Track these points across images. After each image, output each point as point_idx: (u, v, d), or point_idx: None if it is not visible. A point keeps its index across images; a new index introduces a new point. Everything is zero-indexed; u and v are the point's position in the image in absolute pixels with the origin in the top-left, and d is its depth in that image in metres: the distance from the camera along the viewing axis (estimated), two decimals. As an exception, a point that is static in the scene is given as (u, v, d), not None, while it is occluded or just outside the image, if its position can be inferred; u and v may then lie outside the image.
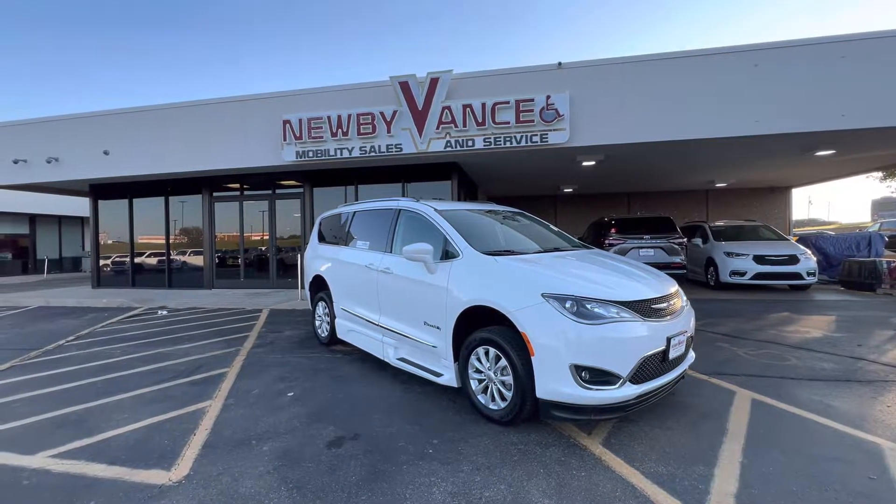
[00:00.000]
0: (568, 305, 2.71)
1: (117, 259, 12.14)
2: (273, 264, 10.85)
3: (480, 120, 7.81)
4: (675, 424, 2.96)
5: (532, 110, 7.61)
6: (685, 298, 3.39)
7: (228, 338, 5.77)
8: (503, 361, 2.92)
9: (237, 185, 11.01)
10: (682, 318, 3.11)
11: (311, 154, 8.69)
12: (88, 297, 9.90)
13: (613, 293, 2.82)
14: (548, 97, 7.53)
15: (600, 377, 2.64)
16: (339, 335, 4.94)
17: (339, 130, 8.44)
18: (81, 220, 19.59)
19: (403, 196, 6.21)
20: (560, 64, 7.69)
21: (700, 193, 16.62)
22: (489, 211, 4.46)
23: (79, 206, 17.21)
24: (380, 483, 2.33)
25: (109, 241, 12.23)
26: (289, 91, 8.98)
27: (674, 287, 3.30)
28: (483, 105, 7.77)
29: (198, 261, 11.39)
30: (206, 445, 2.79)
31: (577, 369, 2.62)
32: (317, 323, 5.48)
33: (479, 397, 3.12)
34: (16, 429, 3.12)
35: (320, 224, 5.82)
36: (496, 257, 3.27)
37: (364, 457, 2.61)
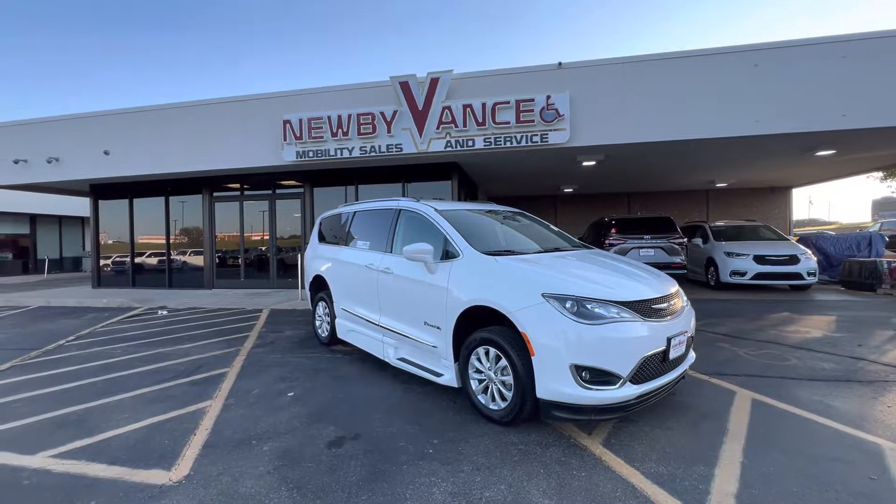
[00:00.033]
0: (568, 305, 2.70)
1: (117, 259, 12.15)
2: (273, 264, 10.85)
3: (481, 120, 7.81)
4: (676, 424, 2.96)
5: (532, 110, 7.61)
6: (685, 298, 3.39)
7: (229, 338, 5.78)
8: (503, 361, 2.92)
9: (237, 185, 11.02)
10: (683, 318, 3.11)
11: (311, 154, 8.69)
12: (89, 296, 9.91)
13: (614, 293, 2.82)
14: (548, 97, 7.53)
15: (601, 377, 2.64)
16: (340, 335, 4.94)
17: (340, 130, 8.44)
18: (82, 220, 19.60)
19: (404, 196, 6.21)
20: (560, 64, 7.69)
21: (700, 193, 16.62)
22: (489, 211, 4.46)
23: (79, 206, 17.22)
24: (380, 483, 2.33)
25: (110, 241, 12.23)
26: (289, 91, 8.99)
27: (674, 287, 3.30)
28: (483, 105, 7.77)
29: (198, 261, 11.40)
30: (206, 445, 2.79)
31: (578, 369, 2.62)
32: (317, 323, 5.48)
33: (479, 397, 3.12)
34: (16, 429, 3.13)
35: (320, 224, 5.82)
36: (496, 257, 3.27)
37: (364, 457, 2.61)
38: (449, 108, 7.90)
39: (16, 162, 10.40)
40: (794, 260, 8.71)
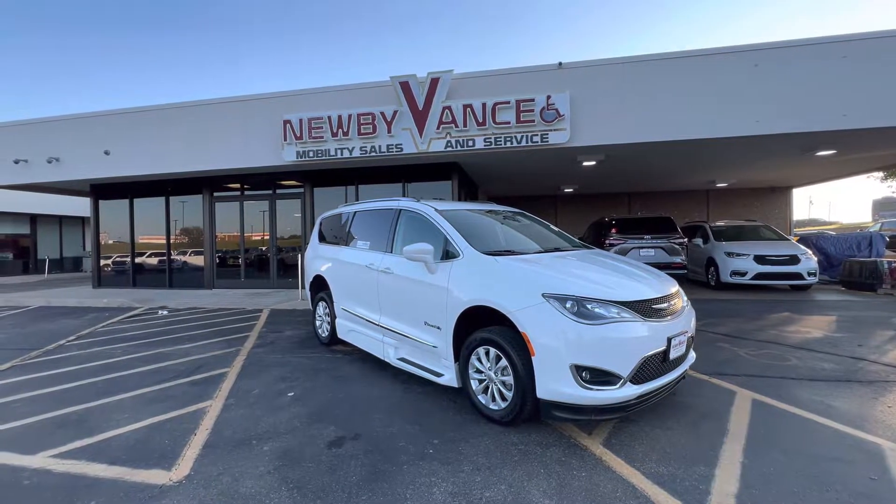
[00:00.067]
0: (568, 305, 2.70)
1: (118, 259, 12.15)
2: (273, 264, 10.85)
3: (481, 120, 7.81)
4: (676, 424, 2.96)
5: (532, 110, 7.61)
6: (686, 298, 3.39)
7: (229, 338, 5.78)
8: (504, 361, 2.92)
9: (238, 185, 11.02)
10: (683, 318, 3.11)
11: (311, 154, 8.69)
12: (89, 296, 9.91)
13: (614, 293, 2.82)
14: (548, 97, 7.52)
15: (601, 377, 2.64)
16: (340, 335, 4.94)
17: (340, 130, 8.44)
18: (82, 220, 19.61)
19: (404, 196, 6.21)
20: (560, 64, 7.69)
21: (701, 193, 16.61)
22: (489, 211, 4.46)
23: (79, 205, 17.23)
24: (380, 483, 2.33)
25: (110, 241, 12.24)
26: (289, 91, 8.99)
27: (674, 287, 3.29)
28: (483, 105, 7.77)
29: (198, 261, 11.40)
30: (206, 445, 2.79)
31: (578, 369, 2.62)
32: (317, 323, 5.48)
33: (479, 397, 3.12)
34: (16, 429, 3.13)
35: (321, 224, 5.82)
36: (497, 257, 3.27)
37: (364, 457, 2.61)
38: (449, 108, 7.90)
39: (16, 162, 10.41)
40: (794, 260, 8.71)
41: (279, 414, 3.27)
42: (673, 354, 2.88)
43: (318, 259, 5.49)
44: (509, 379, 2.89)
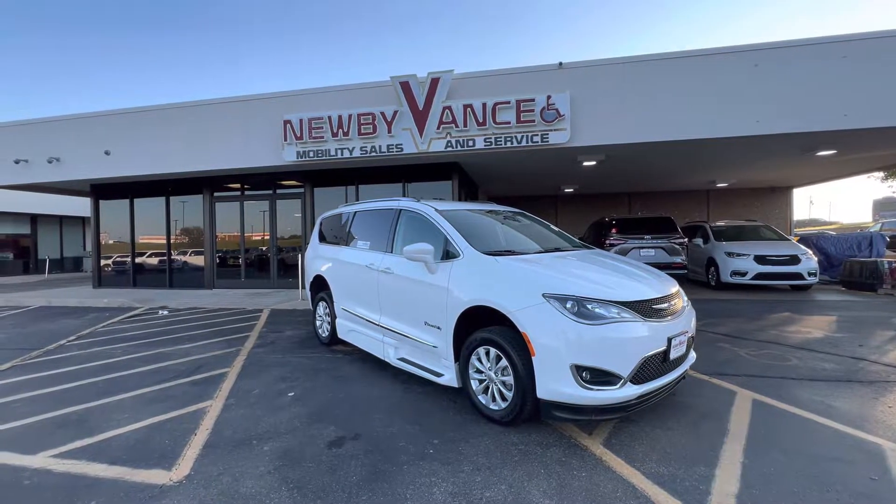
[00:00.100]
0: (569, 306, 2.70)
1: (118, 259, 12.16)
2: (274, 264, 10.86)
3: (481, 120, 7.81)
4: (676, 425, 2.96)
5: (533, 110, 7.61)
6: (686, 298, 3.38)
7: (229, 338, 5.78)
8: (504, 362, 2.92)
9: (238, 185, 11.02)
10: (683, 318, 3.10)
11: (311, 154, 8.69)
12: (89, 296, 9.92)
13: (614, 293, 2.82)
14: (548, 97, 7.52)
15: (601, 377, 2.64)
16: (340, 335, 4.94)
17: (340, 130, 8.44)
18: (83, 220, 19.62)
19: (404, 196, 6.21)
20: (561, 64, 7.69)
21: (701, 193, 16.61)
22: (490, 211, 4.46)
23: (80, 206, 17.24)
24: (380, 483, 2.33)
25: (110, 241, 12.24)
26: (290, 91, 8.99)
27: (675, 287, 3.29)
28: (484, 105, 7.77)
29: (199, 261, 11.40)
30: (206, 445, 2.79)
31: (578, 369, 2.62)
32: (317, 323, 5.48)
33: (479, 397, 3.12)
34: (17, 428, 3.13)
35: (321, 224, 5.82)
36: (497, 257, 3.27)
37: (365, 457, 2.61)
38: (449, 108, 7.91)
39: (17, 162, 10.42)
40: (794, 260, 8.70)
41: (279, 414, 3.27)
42: (673, 354, 2.88)
43: (319, 259, 5.49)
44: (509, 379, 2.89)
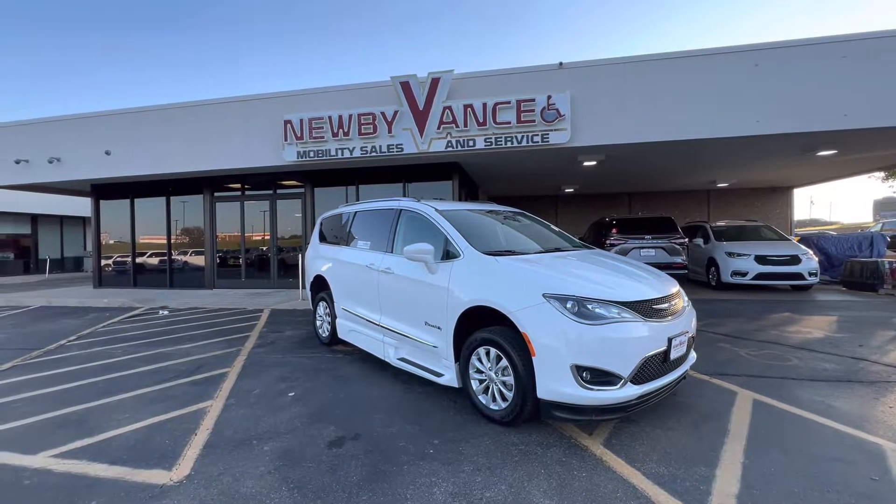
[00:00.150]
0: (569, 306, 2.70)
1: (119, 259, 12.16)
2: (274, 264, 10.86)
3: (481, 120, 7.81)
4: (677, 425, 2.95)
5: (533, 110, 7.61)
6: (686, 299, 3.38)
7: (229, 338, 5.78)
8: (504, 362, 2.92)
9: (238, 185, 11.03)
10: (684, 318, 3.10)
11: (312, 154, 8.69)
12: (90, 296, 9.92)
13: (614, 293, 2.81)
14: (549, 97, 7.52)
15: (601, 377, 2.64)
16: (340, 335, 4.94)
17: (341, 130, 8.44)
18: (83, 220, 19.63)
19: (404, 196, 6.21)
20: (561, 64, 7.69)
21: (701, 193, 16.60)
22: (490, 211, 4.46)
23: (80, 206, 17.24)
24: (380, 483, 2.33)
25: (111, 241, 12.25)
26: (290, 91, 8.99)
27: (675, 287, 3.29)
28: (484, 105, 7.77)
29: (199, 261, 11.41)
30: (207, 445, 2.79)
31: (579, 370, 2.62)
32: (318, 323, 5.48)
33: (479, 397, 3.12)
34: (17, 428, 3.13)
35: (321, 224, 5.83)
36: (497, 257, 3.27)
37: (365, 457, 2.61)
38: (450, 108, 7.90)
39: (17, 162, 10.42)
40: (795, 260, 8.70)
41: (280, 414, 3.27)
42: (674, 355, 2.88)
43: (319, 259, 5.49)
44: (510, 379, 2.89)
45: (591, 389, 2.62)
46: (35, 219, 18.63)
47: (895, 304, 7.41)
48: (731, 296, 8.59)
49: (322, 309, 5.38)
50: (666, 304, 2.98)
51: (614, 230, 9.67)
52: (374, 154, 8.42)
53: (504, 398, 2.96)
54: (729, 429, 2.88)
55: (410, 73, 8.05)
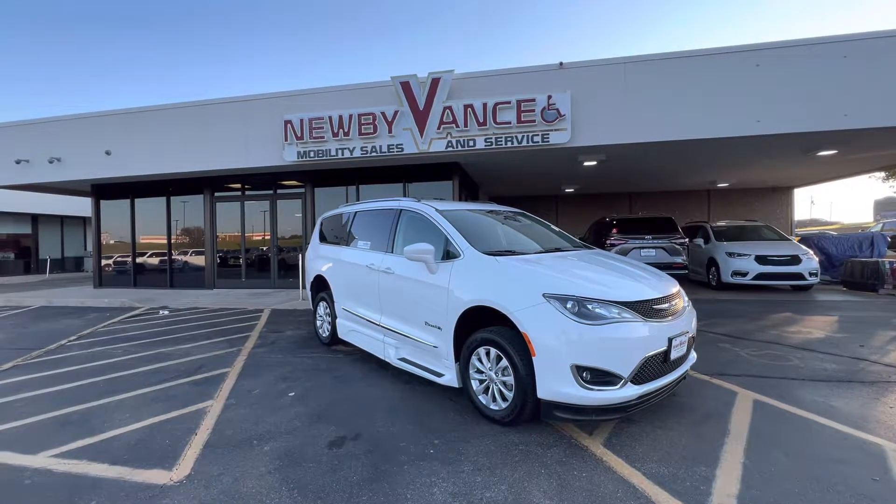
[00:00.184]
0: (569, 306, 2.70)
1: (119, 259, 12.17)
2: (274, 264, 10.86)
3: (482, 120, 7.80)
4: (677, 425, 2.95)
5: (533, 110, 7.60)
6: (687, 299, 3.38)
7: (230, 338, 5.78)
8: (504, 362, 2.92)
9: (238, 186, 11.03)
10: (684, 318, 3.10)
11: (312, 154, 8.69)
12: (90, 296, 9.93)
13: (615, 293, 2.81)
14: (549, 97, 7.52)
15: (602, 378, 2.64)
16: (341, 335, 4.94)
17: (341, 130, 8.44)
18: (83, 220, 19.64)
19: (405, 196, 6.21)
20: (561, 64, 7.69)
21: (702, 193, 16.60)
22: (490, 211, 4.46)
23: (81, 206, 17.26)
24: (381, 483, 2.33)
25: (111, 241, 12.26)
26: (290, 91, 8.99)
27: (675, 287, 3.29)
28: (484, 105, 7.77)
29: (199, 261, 11.41)
30: (207, 445, 2.79)
31: (579, 370, 2.62)
32: (318, 323, 5.48)
33: (480, 398, 3.12)
34: (18, 428, 3.13)
35: (321, 224, 5.83)
36: (497, 257, 3.27)
37: (365, 457, 2.61)
38: (450, 108, 7.90)
39: (18, 162, 10.43)
40: (795, 260, 8.69)
41: (280, 414, 3.27)
42: (674, 355, 2.88)
43: (319, 259, 5.49)
44: (510, 379, 2.89)
45: (592, 389, 2.62)
46: (35, 219, 18.64)
47: (895, 304, 7.42)
48: (731, 296, 8.59)
49: (322, 309, 5.38)
50: (666, 304, 2.98)
51: (615, 230, 9.67)
52: (374, 154, 8.42)
53: (504, 398, 2.96)
54: (729, 429, 2.88)
55: (411, 74, 8.05)
